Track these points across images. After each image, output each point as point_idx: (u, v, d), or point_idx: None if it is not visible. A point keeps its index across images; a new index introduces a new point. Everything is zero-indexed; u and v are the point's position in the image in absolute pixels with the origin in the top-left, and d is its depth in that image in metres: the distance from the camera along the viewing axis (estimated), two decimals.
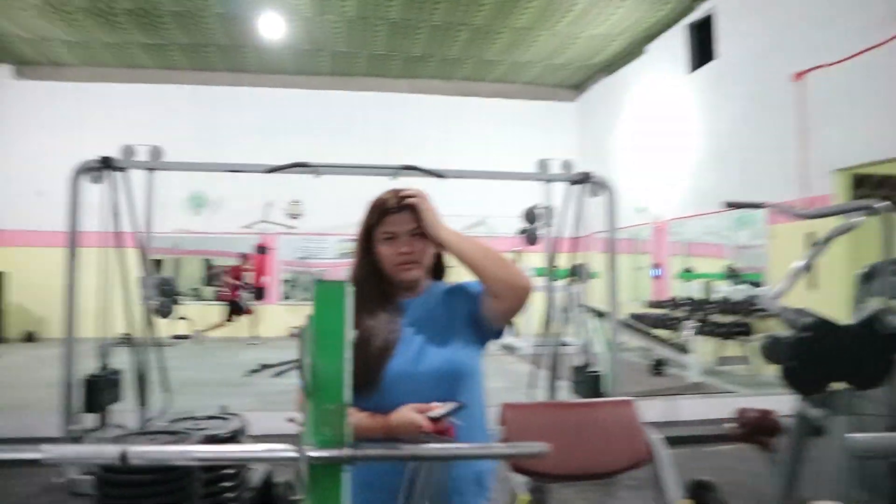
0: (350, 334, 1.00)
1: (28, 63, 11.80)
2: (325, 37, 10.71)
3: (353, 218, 1.81)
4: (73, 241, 4.21)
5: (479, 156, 9.97)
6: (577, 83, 13.13)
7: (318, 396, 0.95)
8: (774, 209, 3.22)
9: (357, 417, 1.51)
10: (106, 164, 4.15)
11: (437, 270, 1.78)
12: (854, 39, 6.40)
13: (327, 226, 11.74)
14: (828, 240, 2.53)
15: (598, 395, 4.27)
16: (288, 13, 9.78)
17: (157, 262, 12.32)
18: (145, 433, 2.94)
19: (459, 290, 1.71)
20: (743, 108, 8.29)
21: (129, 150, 4.33)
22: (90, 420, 4.18)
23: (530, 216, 4.79)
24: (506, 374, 7.63)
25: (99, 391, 4.05)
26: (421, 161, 4.37)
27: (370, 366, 1.54)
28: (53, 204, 3.86)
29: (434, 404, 1.43)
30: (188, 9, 9.55)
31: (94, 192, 4.26)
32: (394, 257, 1.64)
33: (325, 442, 0.97)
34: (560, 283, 6.35)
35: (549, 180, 4.80)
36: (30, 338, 11.23)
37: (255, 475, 2.85)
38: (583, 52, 11.30)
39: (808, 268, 2.51)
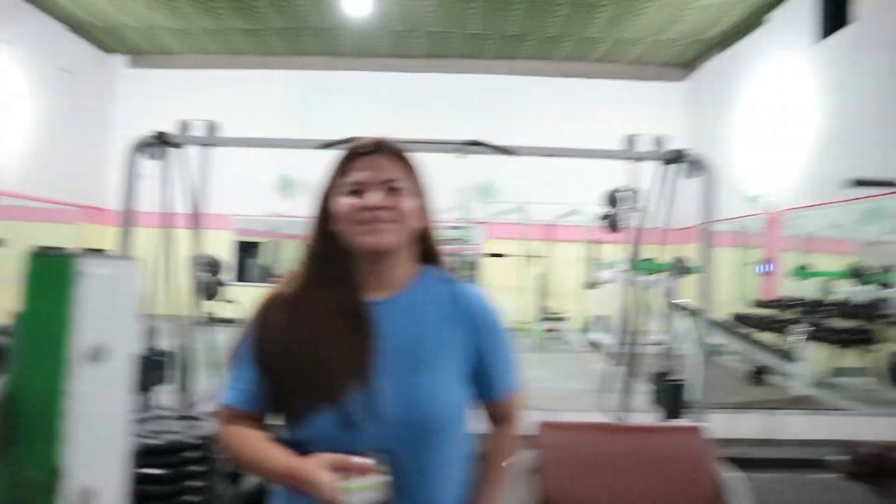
0: (83, 337, 0.61)
1: (140, 52, 12.35)
2: (419, 16, 10.41)
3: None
4: (127, 220, 4.12)
5: (582, 141, 9.38)
6: (687, 61, 12.08)
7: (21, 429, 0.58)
8: None
9: (262, 450, 1.10)
10: (161, 139, 4.02)
11: (426, 253, 1.23)
12: None
13: None
14: None
15: (680, 407, 3.67)
16: None
17: (251, 245, 12.60)
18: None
19: (477, 314, 1.20)
20: (881, 80, 7.15)
21: (184, 126, 4.20)
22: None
23: (612, 199, 4.22)
24: (586, 376, 6.97)
25: (141, 372, 3.93)
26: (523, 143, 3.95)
27: (322, 388, 1.08)
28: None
29: (358, 460, 0.99)
30: None
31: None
32: (353, 212, 1.11)
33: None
34: (652, 277, 5.74)
35: (635, 159, 4.20)
36: None
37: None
38: (695, 24, 10.30)
39: None
